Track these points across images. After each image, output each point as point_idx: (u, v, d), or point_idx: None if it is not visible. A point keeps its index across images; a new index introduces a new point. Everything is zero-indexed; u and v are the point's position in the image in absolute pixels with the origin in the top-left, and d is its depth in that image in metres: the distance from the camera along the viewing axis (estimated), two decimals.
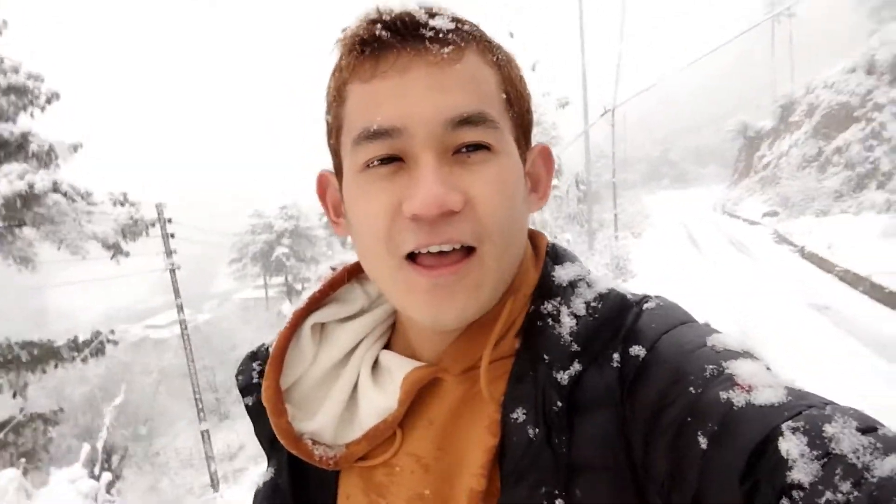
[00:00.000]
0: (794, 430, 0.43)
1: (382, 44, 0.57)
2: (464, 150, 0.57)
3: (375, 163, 0.58)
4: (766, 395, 0.47)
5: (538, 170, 0.69)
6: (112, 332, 14.26)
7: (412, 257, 0.58)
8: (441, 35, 0.57)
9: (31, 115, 12.33)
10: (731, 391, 0.48)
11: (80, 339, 13.62)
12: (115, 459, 20.12)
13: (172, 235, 13.92)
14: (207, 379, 26.31)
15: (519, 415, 0.57)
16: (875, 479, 0.39)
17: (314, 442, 0.67)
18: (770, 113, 31.49)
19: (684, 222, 26.37)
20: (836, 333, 7.87)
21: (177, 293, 14.45)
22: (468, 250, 0.58)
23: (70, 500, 3.20)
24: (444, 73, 0.56)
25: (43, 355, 12.92)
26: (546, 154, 0.70)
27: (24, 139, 11.32)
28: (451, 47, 0.57)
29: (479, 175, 0.57)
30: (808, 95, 26.67)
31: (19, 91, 11.28)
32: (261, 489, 0.74)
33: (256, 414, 0.69)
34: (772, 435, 0.44)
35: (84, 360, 13.52)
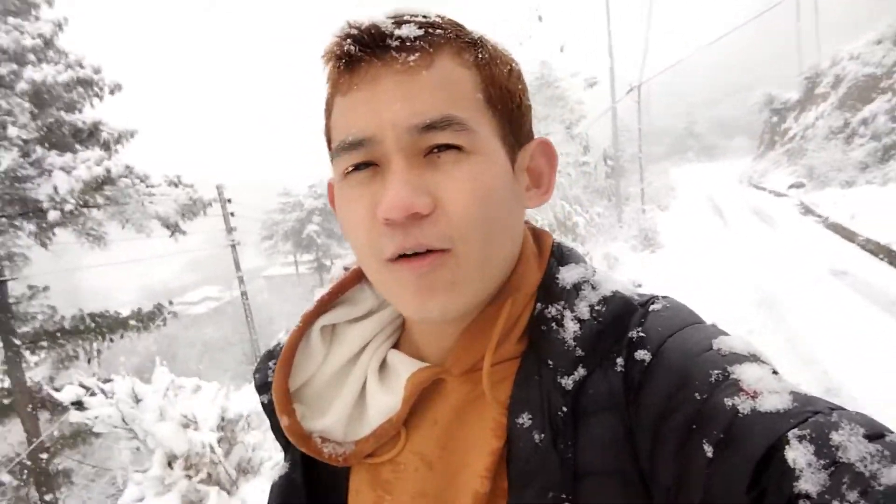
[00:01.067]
0: (801, 438, 0.43)
1: (353, 58, 0.58)
2: (434, 150, 0.57)
3: (351, 168, 0.60)
4: (772, 402, 0.47)
5: (539, 164, 0.68)
6: (171, 303, 15.31)
7: (397, 257, 0.58)
8: (408, 43, 0.58)
9: (91, 104, 13.23)
10: (735, 397, 0.48)
11: (143, 311, 14.68)
12: None
13: (233, 214, 14.88)
14: (243, 350, 27.71)
15: (524, 420, 0.58)
16: (882, 488, 0.39)
17: (324, 440, 0.68)
18: (796, 84, 31.41)
19: (710, 195, 26.68)
20: (853, 296, 8.41)
21: (237, 267, 15.45)
22: (444, 251, 0.58)
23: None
24: (411, 81, 0.57)
25: (111, 325, 14.02)
26: (546, 147, 0.69)
27: (96, 128, 12.25)
28: (417, 55, 0.57)
29: (449, 176, 0.57)
30: (834, 67, 26.62)
31: (86, 83, 12.14)
32: (277, 482, 0.75)
33: (271, 412, 0.70)
34: (778, 443, 0.44)
35: (149, 331, 14.60)
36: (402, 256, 0.58)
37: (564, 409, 0.57)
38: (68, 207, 11.04)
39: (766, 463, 0.44)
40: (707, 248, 13.11)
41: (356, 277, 0.74)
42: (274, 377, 0.69)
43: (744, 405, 0.47)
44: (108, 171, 11.23)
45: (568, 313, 0.62)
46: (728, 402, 0.48)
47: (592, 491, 0.55)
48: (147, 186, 13.38)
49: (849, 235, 12.49)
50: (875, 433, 0.43)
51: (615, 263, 11.42)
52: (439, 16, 0.62)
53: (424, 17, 0.60)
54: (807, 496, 0.41)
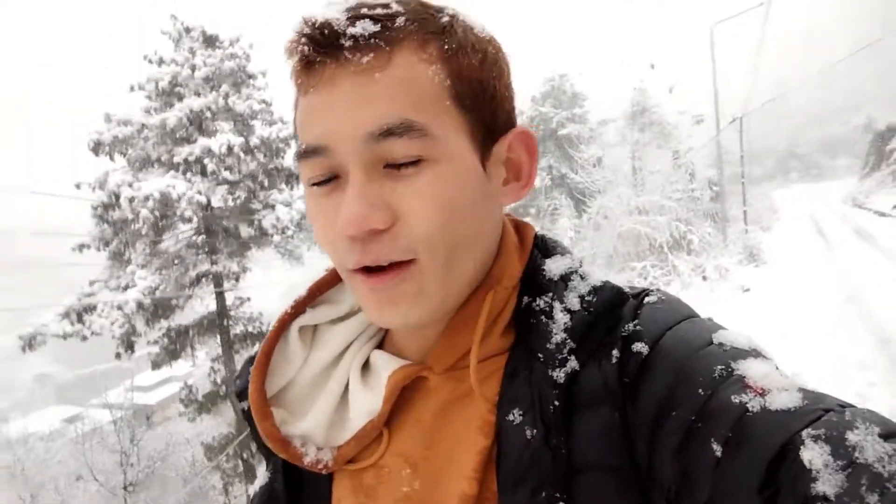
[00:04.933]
0: (816, 438, 0.43)
1: (309, 58, 0.56)
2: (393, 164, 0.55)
3: (315, 182, 0.58)
4: (782, 399, 0.46)
5: (518, 155, 0.64)
6: None
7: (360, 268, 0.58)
8: (362, 42, 0.54)
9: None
10: (743, 394, 0.48)
11: None
12: None
13: None
14: None
15: (515, 416, 0.56)
16: None
17: (305, 446, 0.66)
18: None
19: (813, 215, 27.62)
20: None
21: None
22: (408, 262, 0.57)
23: None
24: (367, 84, 0.54)
25: None
26: (525, 137, 0.64)
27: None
28: (372, 55, 0.54)
29: (410, 188, 0.55)
30: None
31: (295, 137, 15.55)
32: (257, 492, 0.73)
33: (251, 419, 0.67)
34: (791, 442, 0.43)
35: None
36: (365, 269, 0.57)
37: (556, 403, 0.55)
38: (289, 233, 14.53)
39: (780, 463, 0.43)
40: (807, 262, 14.71)
41: (336, 277, 0.72)
42: (251, 380, 0.66)
43: (752, 403, 0.47)
44: None
45: (557, 304, 0.60)
46: (735, 399, 0.48)
47: (587, 487, 0.53)
48: None
49: None
50: (889, 432, 0.42)
51: (726, 273, 13.31)
52: (403, 2, 0.57)
53: (384, 6, 0.56)
54: (825, 498, 0.40)
